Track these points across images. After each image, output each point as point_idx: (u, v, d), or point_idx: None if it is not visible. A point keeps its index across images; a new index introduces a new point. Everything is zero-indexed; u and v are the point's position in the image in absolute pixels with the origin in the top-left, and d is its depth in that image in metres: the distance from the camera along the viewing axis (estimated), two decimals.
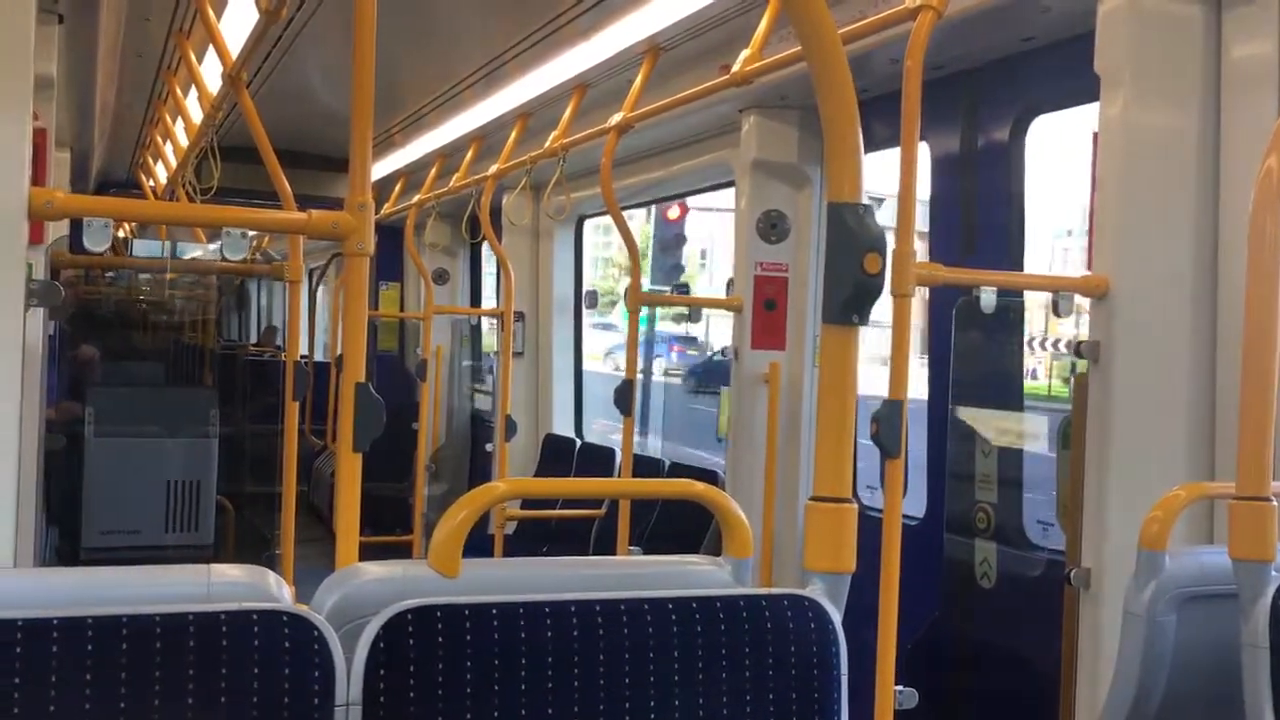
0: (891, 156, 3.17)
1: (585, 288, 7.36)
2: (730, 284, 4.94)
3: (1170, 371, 2.93)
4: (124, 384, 7.95)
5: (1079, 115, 3.58)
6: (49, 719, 1.39)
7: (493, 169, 5.84)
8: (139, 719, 1.42)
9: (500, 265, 6.28)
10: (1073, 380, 3.10)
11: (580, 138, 4.94)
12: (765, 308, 4.70)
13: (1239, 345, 2.17)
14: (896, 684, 2.74)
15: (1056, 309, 3.06)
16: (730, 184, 5.10)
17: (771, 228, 4.71)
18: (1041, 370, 9.18)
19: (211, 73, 5.15)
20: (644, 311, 5.73)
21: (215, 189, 5.24)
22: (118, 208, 2.79)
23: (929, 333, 4.09)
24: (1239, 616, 2.11)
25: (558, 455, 6.87)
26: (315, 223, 2.59)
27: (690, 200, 12.00)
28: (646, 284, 8.40)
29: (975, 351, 3.86)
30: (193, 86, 5.69)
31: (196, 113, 6.00)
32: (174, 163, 7.60)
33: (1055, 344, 8.04)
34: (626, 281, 5.07)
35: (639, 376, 4.92)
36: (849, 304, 1.74)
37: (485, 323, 8.76)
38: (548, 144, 5.15)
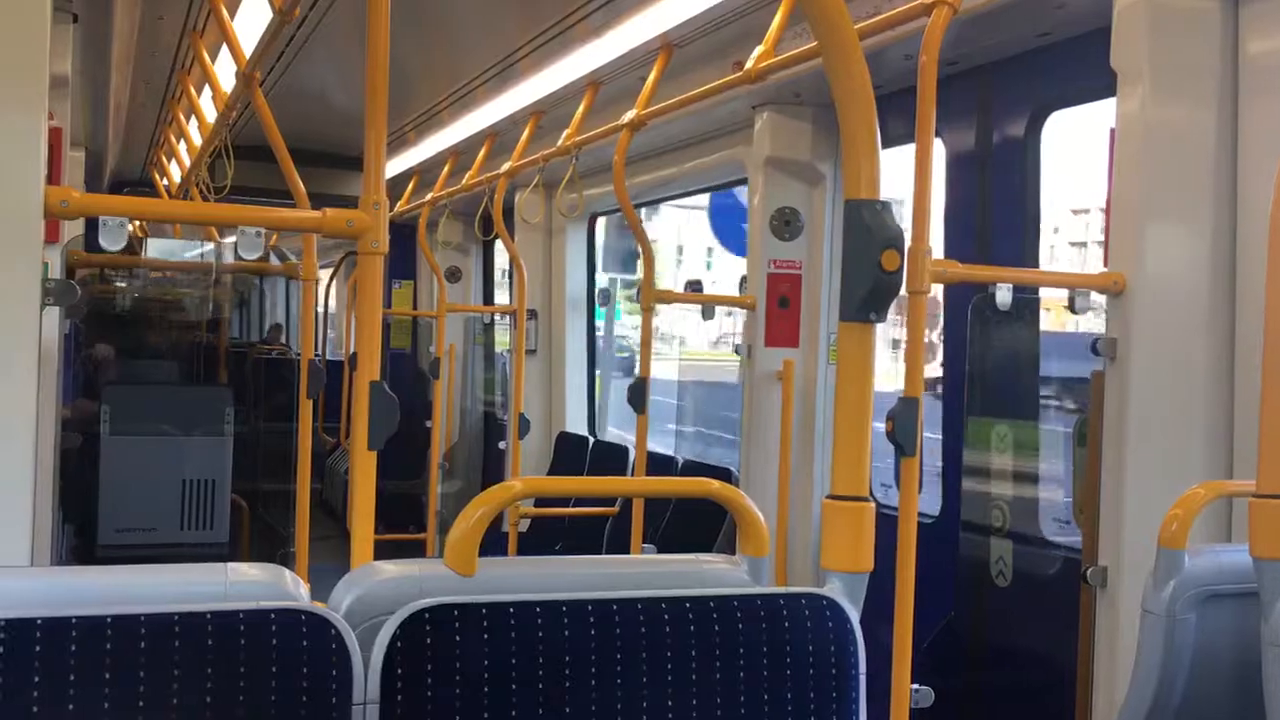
0: (906, 154, 3.16)
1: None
2: (743, 281, 4.93)
3: (1188, 368, 2.92)
4: (139, 382, 7.98)
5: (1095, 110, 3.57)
6: (68, 718, 1.40)
7: (505, 167, 5.84)
8: (158, 718, 1.42)
9: (513, 263, 6.29)
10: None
11: (593, 135, 4.93)
12: (779, 305, 4.69)
13: (1257, 342, 2.16)
14: (913, 683, 2.73)
15: (1073, 306, 3.05)
16: (741, 181, 5.10)
17: (785, 225, 4.70)
18: None
19: (225, 72, 5.17)
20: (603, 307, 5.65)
21: (229, 188, 5.25)
22: (132, 207, 2.79)
23: (944, 330, 4.08)
24: (1259, 616, 2.10)
25: (571, 453, 6.88)
26: (330, 221, 2.59)
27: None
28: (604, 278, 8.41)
29: (991, 349, 3.85)
30: (206, 85, 5.70)
31: (210, 112, 6.01)
32: (188, 162, 7.62)
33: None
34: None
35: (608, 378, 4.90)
36: (866, 301, 1.73)
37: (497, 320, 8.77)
38: (560, 142, 5.14)
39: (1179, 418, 2.92)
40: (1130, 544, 2.86)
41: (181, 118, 7.17)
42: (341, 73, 6.12)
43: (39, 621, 1.40)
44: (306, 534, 3.84)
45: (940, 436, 4.09)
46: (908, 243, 2.82)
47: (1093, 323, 3.25)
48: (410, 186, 8.18)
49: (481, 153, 6.47)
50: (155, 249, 10.07)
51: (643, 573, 1.83)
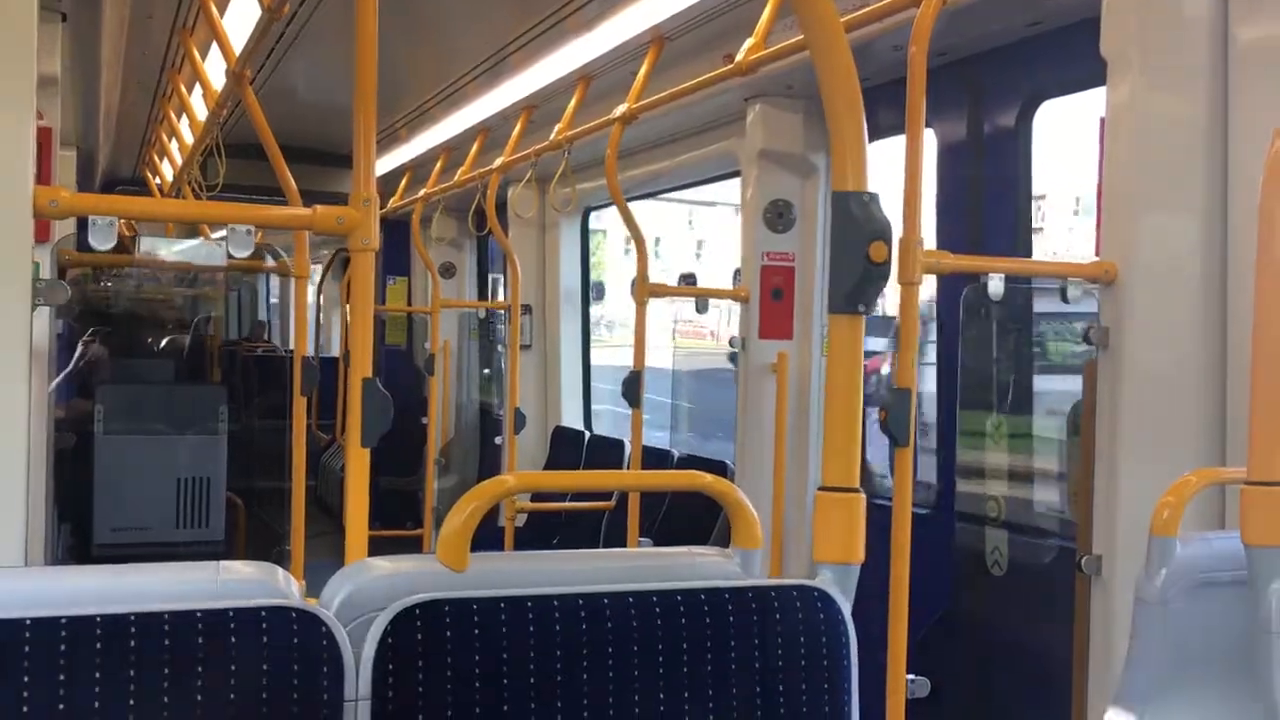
0: (895, 145, 3.16)
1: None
2: (737, 274, 4.93)
3: (1180, 356, 2.92)
4: (133, 381, 7.97)
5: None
6: (59, 718, 1.40)
7: (498, 162, 5.83)
8: (148, 717, 1.42)
9: (507, 258, 6.28)
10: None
11: (585, 129, 4.93)
12: (772, 297, 4.69)
13: (1249, 329, 2.16)
14: (909, 673, 2.74)
15: (1065, 295, 3.05)
16: (734, 174, 5.09)
17: (778, 217, 4.70)
18: None
19: (215, 70, 5.15)
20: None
21: (220, 185, 5.24)
22: (121, 206, 2.79)
23: (937, 321, 4.08)
24: (1251, 602, 2.10)
25: (567, 447, 6.88)
26: (320, 218, 2.58)
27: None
28: None
29: (983, 339, 3.85)
30: (197, 84, 5.69)
31: (201, 110, 6.00)
32: (179, 160, 7.61)
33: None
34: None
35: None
36: (855, 293, 1.73)
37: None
38: (553, 136, 5.14)
39: (1171, 406, 2.92)
40: (1124, 532, 2.86)
41: (173, 116, 7.15)
42: (331, 69, 6.10)
43: (28, 622, 1.40)
44: (302, 531, 3.83)
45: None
46: (898, 234, 2.82)
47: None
48: (403, 182, 8.18)
49: (474, 148, 6.46)
50: (154, 249, 10.05)
51: (635, 566, 1.84)
